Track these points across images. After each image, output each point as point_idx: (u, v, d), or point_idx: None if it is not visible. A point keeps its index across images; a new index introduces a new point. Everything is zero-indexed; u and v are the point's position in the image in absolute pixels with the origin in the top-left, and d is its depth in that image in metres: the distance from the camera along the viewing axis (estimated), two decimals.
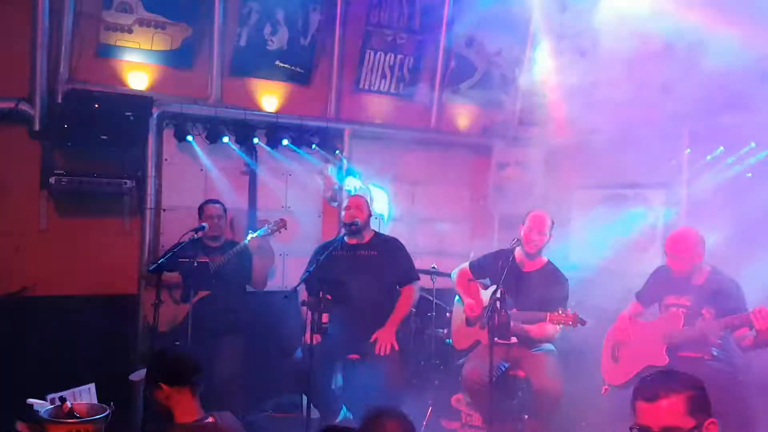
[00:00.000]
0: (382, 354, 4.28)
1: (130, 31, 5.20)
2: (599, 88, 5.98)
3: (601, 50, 5.90)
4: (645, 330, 3.97)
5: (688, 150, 4.99)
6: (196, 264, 4.26)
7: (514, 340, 4.15)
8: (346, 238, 4.63)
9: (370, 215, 4.70)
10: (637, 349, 3.93)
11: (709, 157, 4.92)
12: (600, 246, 5.66)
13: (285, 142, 5.75)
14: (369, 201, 4.83)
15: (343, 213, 4.73)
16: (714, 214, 4.82)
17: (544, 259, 4.43)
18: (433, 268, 5.62)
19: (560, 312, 3.86)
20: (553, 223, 4.38)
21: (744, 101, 4.46)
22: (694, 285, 3.82)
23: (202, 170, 5.60)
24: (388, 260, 4.60)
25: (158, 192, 5.36)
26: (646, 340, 3.90)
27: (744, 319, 3.47)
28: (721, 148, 4.73)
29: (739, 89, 4.48)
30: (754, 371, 3.80)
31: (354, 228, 4.54)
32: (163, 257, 4.98)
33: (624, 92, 5.71)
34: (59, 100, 4.95)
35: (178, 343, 3.94)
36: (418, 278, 4.73)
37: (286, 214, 5.72)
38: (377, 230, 4.88)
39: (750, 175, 4.58)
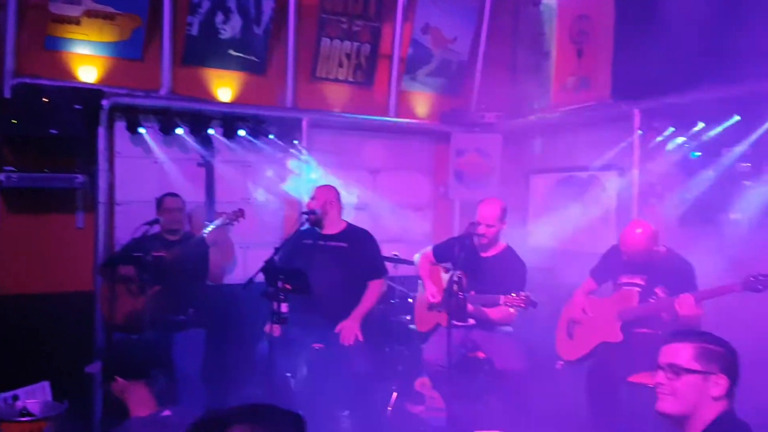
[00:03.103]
0: (346, 344, 4.29)
1: (78, 23, 5.09)
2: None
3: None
4: (600, 307, 4.05)
5: (640, 131, 5.07)
6: (150, 258, 4.19)
7: (471, 321, 4.20)
8: (317, 228, 4.61)
9: (328, 205, 4.64)
10: (592, 325, 4.01)
11: (654, 142, 4.99)
12: (556, 229, 5.75)
13: (241, 132, 5.68)
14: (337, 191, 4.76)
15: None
16: (665, 195, 4.93)
17: (503, 244, 4.46)
18: (395, 255, 5.65)
19: (513, 295, 3.89)
20: (504, 210, 4.37)
21: (693, 79, 4.56)
22: (648, 264, 3.90)
23: (156, 163, 5.50)
24: (357, 253, 4.57)
25: (111, 186, 5.26)
26: (600, 317, 3.98)
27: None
28: (672, 128, 4.81)
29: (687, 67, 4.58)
30: None
31: (311, 217, 4.52)
32: (116, 252, 4.95)
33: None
34: (7, 95, 4.82)
35: (135, 336, 3.89)
36: (386, 273, 4.74)
37: (246, 206, 5.66)
38: (349, 222, 4.81)
39: (699, 154, 4.68)
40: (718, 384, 2.09)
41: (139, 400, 2.77)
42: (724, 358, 2.13)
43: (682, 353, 2.15)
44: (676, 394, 2.12)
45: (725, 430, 2.05)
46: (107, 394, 2.87)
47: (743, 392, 3.62)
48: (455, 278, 3.59)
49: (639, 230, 3.88)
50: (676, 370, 2.12)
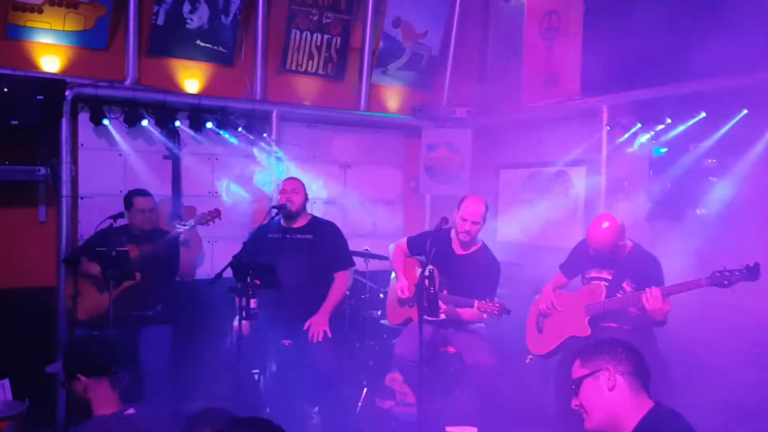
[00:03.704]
0: (314, 341, 4.24)
1: (40, 11, 4.94)
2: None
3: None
4: (568, 301, 4.07)
5: (608, 127, 5.11)
6: (114, 253, 4.08)
7: (443, 316, 4.19)
8: (282, 221, 4.56)
9: (306, 199, 4.61)
10: (561, 320, 4.04)
11: (622, 138, 5.02)
12: (525, 223, 5.78)
13: (209, 125, 5.57)
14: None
15: (278, 196, 4.64)
16: (632, 190, 4.99)
17: (479, 242, 4.43)
18: (366, 250, 5.62)
19: (487, 301, 3.88)
20: (487, 208, 4.34)
21: (660, 76, 4.62)
22: (615, 259, 3.92)
23: (120, 155, 5.38)
24: (323, 245, 4.52)
25: (74, 179, 5.12)
26: (569, 312, 4.01)
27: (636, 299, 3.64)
28: (639, 124, 4.86)
29: (655, 64, 4.63)
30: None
31: (286, 211, 4.47)
32: (81, 247, 4.82)
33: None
34: None
35: (96, 333, 3.79)
36: (353, 264, 4.70)
37: (213, 199, 5.58)
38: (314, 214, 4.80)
39: (665, 150, 4.74)
40: (608, 377, 2.09)
41: (102, 399, 2.69)
42: (606, 351, 2.14)
43: (573, 369, 2.18)
44: (586, 409, 2.12)
45: (654, 427, 2.03)
46: (69, 393, 2.79)
47: (713, 383, 3.71)
48: (426, 273, 3.56)
49: (606, 224, 3.89)
50: (575, 386, 2.15)
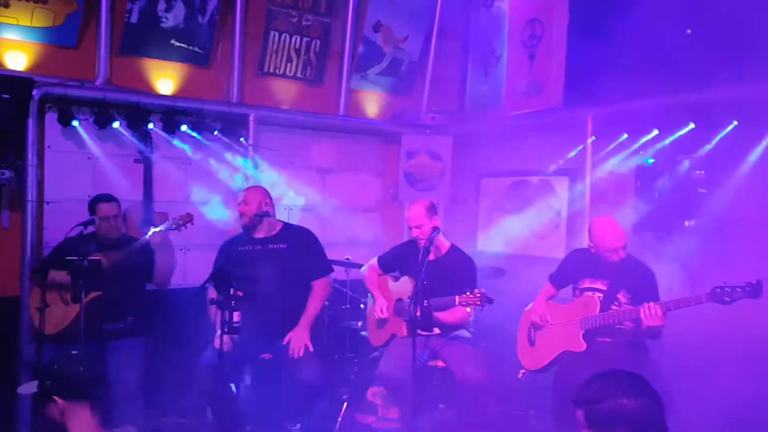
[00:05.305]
0: (295, 356, 4.07)
1: (6, 6, 4.71)
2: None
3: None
4: (561, 314, 3.98)
5: (593, 137, 5.07)
6: (86, 262, 3.85)
7: (437, 330, 4.06)
8: (251, 231, 4.37)
9: (261, 206, 4.34)
10: (554, 333, 3.94)
11: (607, 148, 4.99)
12: (506, 233, 5.71)
13: (184, 127, 5.36)
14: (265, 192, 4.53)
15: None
16: (618, 202, 4.95)
17: (447, 243, 4.34)
18: (347, 259, 5.48)
19: (468, 294, 3.76)
20: (429, 207, 4.21)
21: (646, 86, 4.58)
22: (610, 269, 3.85)
23: (89, 158, 5.14)
24: (297, 253, 4.35)
25: (40, 183, 4.88)
26: (562, 325, 3.92)
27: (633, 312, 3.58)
28: (625, 134, 4.83)
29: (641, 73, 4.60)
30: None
31: (245, 221, 4.29)
32: (48, 255, 4.55)
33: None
34: None
35: (75, 352, 3.55)
36: (331, 270, 4.54)
37: (187, 205, 5.35)
38: (286, 221, 4.65)
39: (653, 160, 4.71)
40: None
41: (81, 425, 2.51)
42: (606, 415, 1.87)
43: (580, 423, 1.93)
44: None
45: None
46: (43, 417, 2.58)
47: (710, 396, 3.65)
48: (420, 286, 3.43)
49: (617, 224, 3.85)
50: None
